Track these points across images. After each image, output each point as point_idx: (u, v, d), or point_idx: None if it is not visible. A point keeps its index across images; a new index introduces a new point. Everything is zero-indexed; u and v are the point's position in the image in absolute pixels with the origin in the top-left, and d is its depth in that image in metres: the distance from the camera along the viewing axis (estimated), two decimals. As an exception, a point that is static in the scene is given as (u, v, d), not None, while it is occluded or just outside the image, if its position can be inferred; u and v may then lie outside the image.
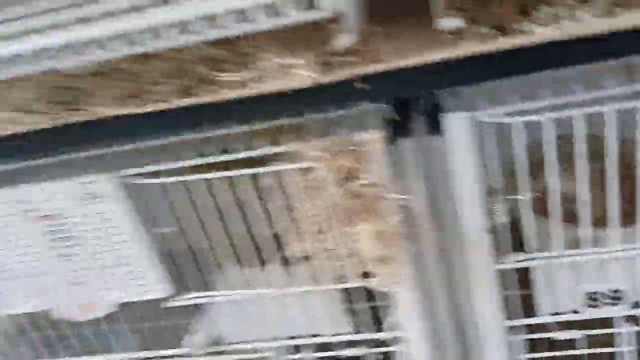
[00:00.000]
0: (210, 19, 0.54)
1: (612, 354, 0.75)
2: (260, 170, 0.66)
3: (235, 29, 0.55)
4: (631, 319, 0.72)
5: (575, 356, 0.74)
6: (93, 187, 0.68)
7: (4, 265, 0.74)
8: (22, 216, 0.70)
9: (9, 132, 0.66)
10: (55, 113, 0.65)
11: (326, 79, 0.59)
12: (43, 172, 0.69)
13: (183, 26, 0.56)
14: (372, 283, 0.69)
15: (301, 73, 0.58)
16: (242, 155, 0.66)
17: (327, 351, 0.79)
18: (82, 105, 0.64)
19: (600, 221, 0.66)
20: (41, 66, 0.60)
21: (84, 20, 0.57)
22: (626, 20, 0.52)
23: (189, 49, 0.62)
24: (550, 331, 0.73)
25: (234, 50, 0.63)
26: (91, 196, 0.68)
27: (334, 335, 0.78)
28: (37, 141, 0.66)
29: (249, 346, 0.80)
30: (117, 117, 0.63)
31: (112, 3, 0.55)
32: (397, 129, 0.63)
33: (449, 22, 0.55)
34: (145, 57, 0.62)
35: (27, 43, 0.58)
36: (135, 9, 0.56)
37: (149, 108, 0.62)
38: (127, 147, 0.66)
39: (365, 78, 0.58)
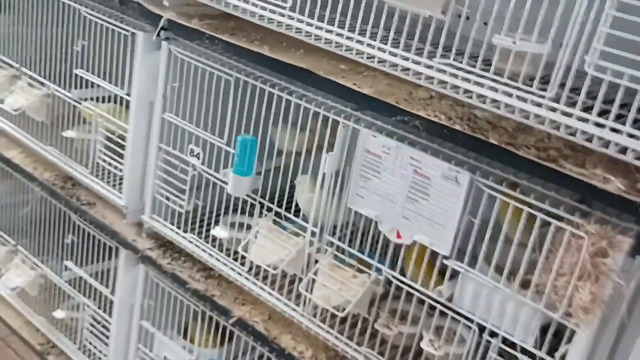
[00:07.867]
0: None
1: None
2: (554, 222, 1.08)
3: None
4: None
5: None
6: (456, 174, 1.14)
7: (382, 183, 1.23)
8: (409, 168, 1.18)
9: (436, 120, 1.13)
10: (463, 124, 1.12)
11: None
12: (436, 151, 1.17)
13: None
14: (569, 321, 1.08)
15: (615, 186, 0.99)
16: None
17: (508, 345, 1.18)
18: (479, 128, 1.11)
19: None
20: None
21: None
22: None
23: (550, 136, 1.06)
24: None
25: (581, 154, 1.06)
26: (451, 178, 1.14)
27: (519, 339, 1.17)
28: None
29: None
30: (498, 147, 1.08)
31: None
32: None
33: None
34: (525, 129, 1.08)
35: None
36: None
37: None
38: (492, 166, 1.12)
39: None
